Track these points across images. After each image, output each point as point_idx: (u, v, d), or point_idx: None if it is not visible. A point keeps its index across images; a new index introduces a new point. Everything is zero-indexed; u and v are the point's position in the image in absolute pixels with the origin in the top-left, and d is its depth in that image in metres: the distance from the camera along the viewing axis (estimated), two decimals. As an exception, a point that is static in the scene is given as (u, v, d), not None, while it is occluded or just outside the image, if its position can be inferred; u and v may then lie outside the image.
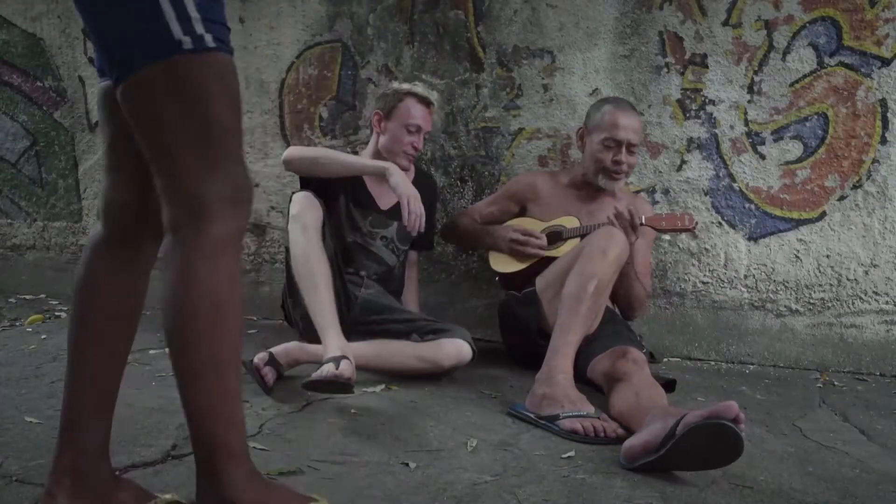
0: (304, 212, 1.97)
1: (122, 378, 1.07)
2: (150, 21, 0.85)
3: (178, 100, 0.86)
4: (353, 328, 2.03)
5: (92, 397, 1.07)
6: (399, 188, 2.00)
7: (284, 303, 2.25)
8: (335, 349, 1.75)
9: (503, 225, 2.37)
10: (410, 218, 1.96)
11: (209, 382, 0.91)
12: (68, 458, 1.02)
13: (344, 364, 1.66)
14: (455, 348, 1.98)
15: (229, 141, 0.90)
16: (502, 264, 2.33)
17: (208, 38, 0.87)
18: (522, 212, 2.43)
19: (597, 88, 2.63)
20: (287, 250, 2.06)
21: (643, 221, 2.04)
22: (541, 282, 2.16)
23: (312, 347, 1.89)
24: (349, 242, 2.22)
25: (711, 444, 1.27)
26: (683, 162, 2.57)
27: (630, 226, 1.99)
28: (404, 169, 2.18)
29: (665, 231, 2.15)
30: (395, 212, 2.19)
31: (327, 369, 1.64)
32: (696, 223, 2.11)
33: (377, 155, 2.24)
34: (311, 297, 1.88)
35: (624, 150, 2.21)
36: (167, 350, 0.94)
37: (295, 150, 2.12)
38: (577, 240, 2.19)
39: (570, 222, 2.26)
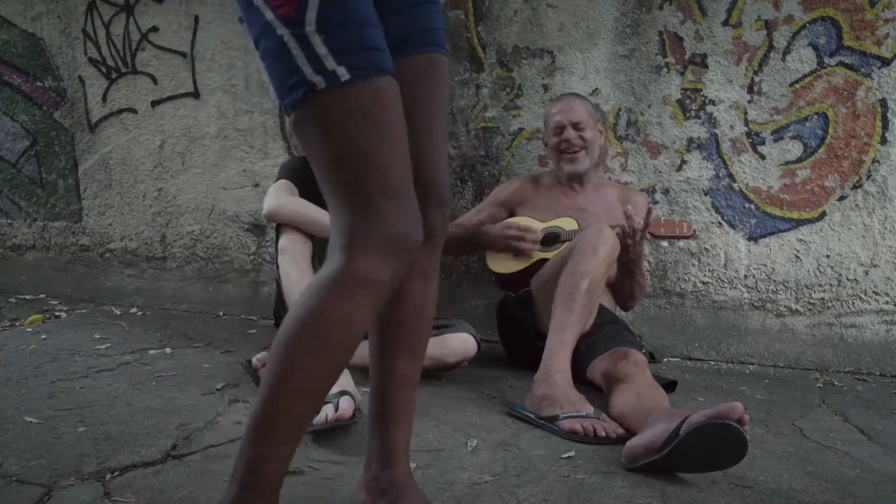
0: (293, 244, 1.95)
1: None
2: (288, 68, 0.85)
3: (319, 140, 0.85)
4: None
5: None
6: None
7: (278, 321, 2.22)
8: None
9: (499, 223, 2.36)
10: None
11: (271, 405, 0.88)
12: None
13: (344, 402, 1.57)
14: (460, 344, 1.97)
15: (377, 176, 0.85)
16: (500, 265, 2.33)
17: (342, 72, 0.83)
18: (512, 217, 2.42)
19: (597, 88, 2.63)
20: (277, 282, 2.04)
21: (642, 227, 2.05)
22: (535, 282, 2.16)
23: None
24: None
25: (716, 445, 1.26)
26: (683, 162, 2.57)
27: (641, 230, 2.02)
28: None
29: (663, 237, 2.16)
30: None
31: (328, 412, 1.54)
32: (695, 231, 2.12)
33: None
34: None
35: (570, 128, 2.27)
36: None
37: (279, 208, 2.02)
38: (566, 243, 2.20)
39: (569, 224, 2.26)
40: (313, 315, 0.86)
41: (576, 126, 2.28)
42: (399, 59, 0.95)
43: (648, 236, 2.24)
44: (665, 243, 2.58)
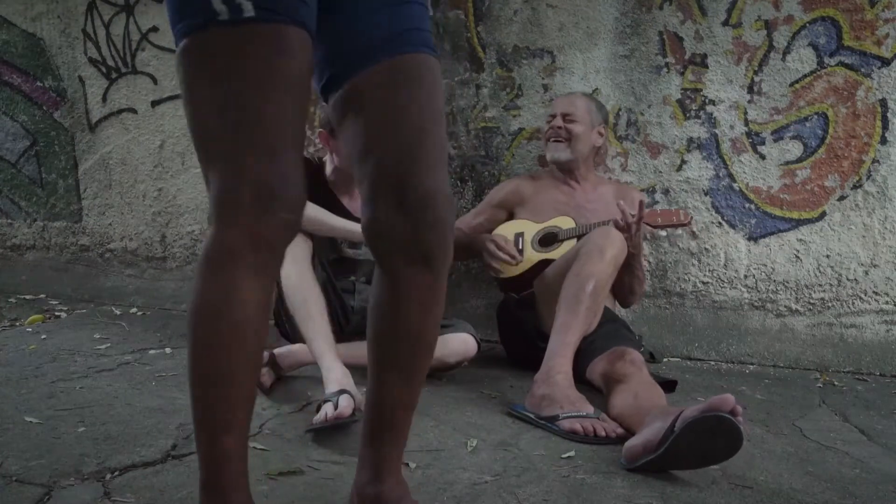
0: (292, 244, 1.95)
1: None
2: None
3: (201, 78, 0.79)
4: (354, 337, 2.03)
5: None
6: None
7: (279, 321, 2.21)
8: (333, 383, 1.67)
9: (488, 234, 2.35)
10: None
11: (192, 400, 0.85)
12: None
13: (343, 401, 1.57)
14: (460, 344, 1.97)
15: (253, 130, 0.78)
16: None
17: (247, 6, 0.77)
18: (511, 218, 2.42)
19: (597, 88, 2.63)
20: (277, 283, 2.03)
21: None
22: (539, 284, 2.16)
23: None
24: (334, 258, 2.19)
25: (711, 438, 1.27)
26: (683, 162, 2.57)
27: (636, 222, 2.01)
28: None
29: (660, 227, 2.15)
30: None
31: (327, 411, 1.55)
32: (692, 218, 2.12)
33: (338, 174, 2.18)
34: (307, 327, 1.84)
35: (559, 118, 2.33)
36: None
37: None
38: (574, 240, 2.19)
39: (566, 223, 2.26)
40: (196, 297, 0.82)
41: (565, 117, 2.33)
42: (384, 60, 0.90)
43: (647, 231, 2.24)
44: (663, 233, 2.57)
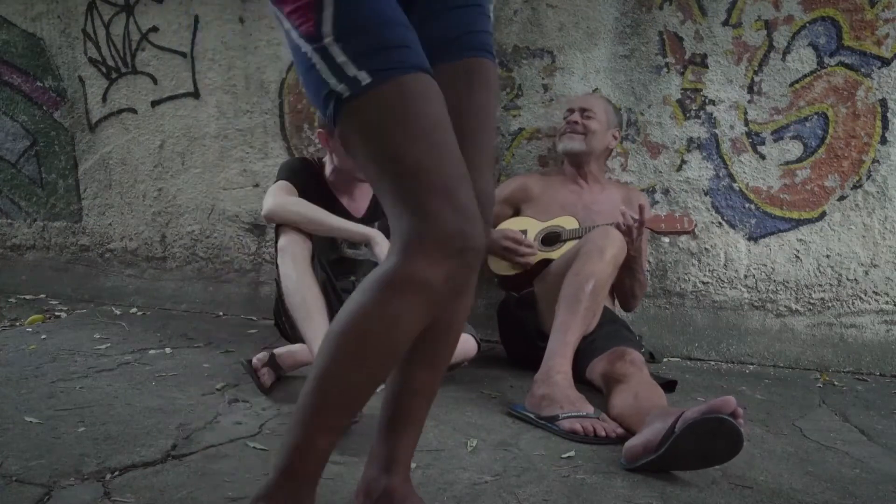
0: (292, 244, 1.95)
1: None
2: (318, 83, 0.85)
3: (359, 148, 0.85)
4: None
5: None
6: (384, 258, 1.96)
7: (278, 321, 2.21)
8: None
9: (496, 229, 2.36)
10: None
11: (320, 391, 0.88)
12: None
13: None
14: (461, 344, 1.96)
15: (420, 175, 0.82)
16: (501, 267, 2.33)
17: (362, 76, 0.82)
18: (516, 214, 2.42)
19: (597, 88, 2.62)
20: (277, 283, 2.04)
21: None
22: (539, 283, 2.16)
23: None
24: (334, 259, 2.19)
25: (711, 440, 1.27)
26: (683, 162, 2.57)
27: (637, 227, 2.01)
28: (363, 181, 2.14)
29: (663, 233, 2.16)
30: (373, 214, 2.18)
31: None
32: (696, 225, 2.12)
33: (338, 174, 2.17)
34: (306, 327, 1.84)
35: (577, 112, 2.37)
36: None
37: (278, 208, 2.00)
38: (576, 241, 2.19)
39: (569, 223, 2.26)
40: (362, 312, 0.85)
41: (584, 112, 2.37)
42: (442, 64, 0.94)
43: (650, 234, 2.24)
44: (666, 240, 2.57)
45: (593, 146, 2.35)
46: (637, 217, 2.02)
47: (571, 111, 2.40)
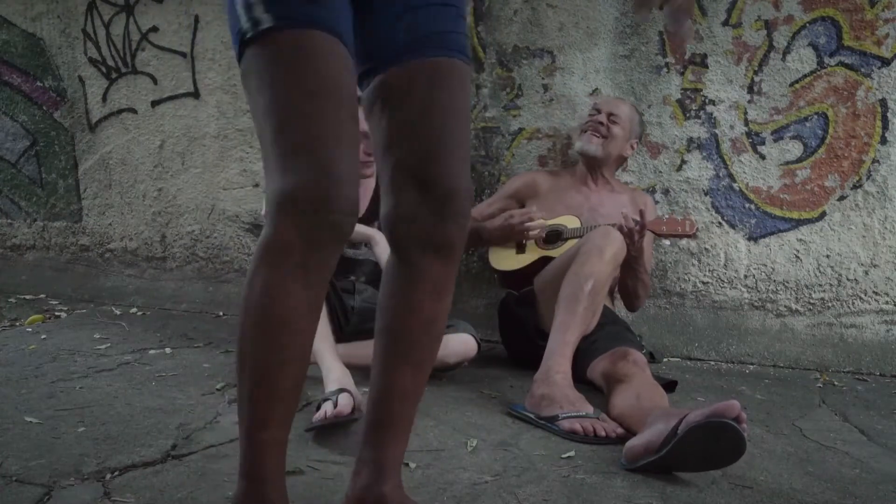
0: None
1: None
2: (234, 20, 0.86)
3: (249, 92, 0.85)
4: (354, 337, 2.03)
5: None
6: (383, 257, 1.96)
7: None
8: (333, 382, 1.67)
9: (498, 216, 2.35)
10: None
11: (239, 391, 0.88)
12: None
13: (342, 399, 1.56)
14: (460, 344, 1.97)
15: (294, 132, 0.80)
16: (502, 262, 2.33)
17: (266, 18, 0.82)
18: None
19: (597, 88, 2.62)
20: None
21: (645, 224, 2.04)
22: (539, 281, 2.16)
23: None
24: None
25: (713, 444, 1.26)
26: (683, 162, 2.57)
27: (638, 230, 2.01)
28: (367, 176, 2.14)
29: (665, 236, 2.16)
30: (373, 214, 2.18)
31: (327, 409, 1.54)
32: (698, 229, 2.12)
33: None
34: None
35: (604, 115, 2.34)
36: None
37: None
38: (577, 240, 2.19)
39: (572, 222, 2.26)
40: (245, 291, 0.86)
41: (610, 116, 2.35)
42: (413, 61, 0.93)
43: (653, 236, 2.24)
44: (667, 242, 2.57)
45: (610, 151, 2.35)
46: (638, 220, 2.02)
47: (598, 111, 2.38)
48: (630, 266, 2.15)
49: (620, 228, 2.02)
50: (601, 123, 2.33)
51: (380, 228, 2.08)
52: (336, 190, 0.81)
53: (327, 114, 0.82)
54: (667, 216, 2.35)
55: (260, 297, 0.84)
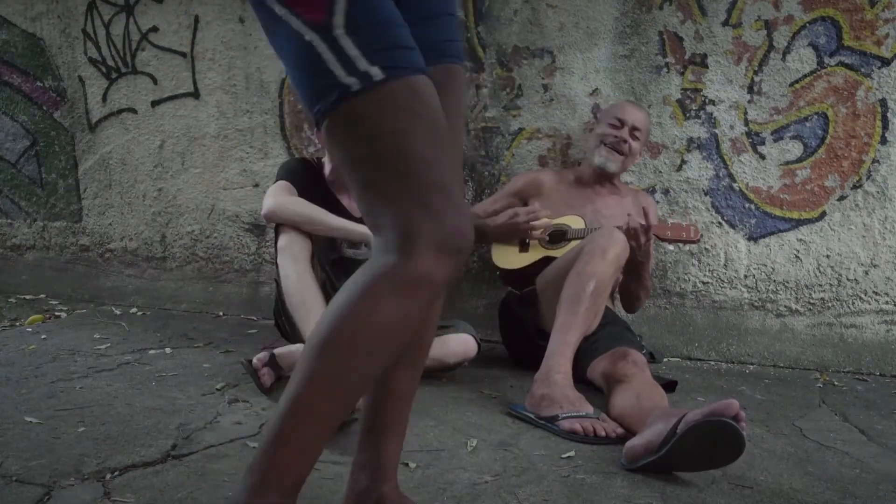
0: (292, 244, 1.95)
1: None
2: (318, 74, 0.83)
3: (358, 144, 0.83)
4: None
5: None
6: None
7: (278, 321, 2.21)
8: None
9: (502, 214, 2.34)
10: None
11: (312, 399, 0.84)
12: None
13: None
14: (460, 345, 1.97)
15: (425, 173, 0.82)
16: (505, 260, 2.33)
17: (375, 71, 0.81)
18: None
19: (597, 88, 2.63)
20: (277, 283, 2.03)
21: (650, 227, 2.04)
22: (541, 281, 2.16)
23: None
24: (334, 259, 2.19)
25: (713, 443, 1.26)
26: (683, 162, 2.57)
27: (644, 232, 2.01)
28: None
29: (669, 241, 2.15)
30: None
31: None
32: (701, 235, 2.11)
33: (337, 174, 2.14)
34: (306, 327, 1.84)
35: (627, 129, 2.29)
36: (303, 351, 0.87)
37: (277, 208, 2.00)
38: (580, 241, 2.19)
39: (576, 222, 2.26)
40: (369, 317, 0.83)
41: (633, 130, 2.31)
42: (429, 68, 0.95)
43: (654, 239, 2.24)
44: (671, 247, 2.57)
45: (626, 166, 2.36)
46: (644, 223, 2.01)
47: (622, 123, 2.30)
48: (636, 271, 2.15)
49: (627, 231, 2.01)
50: (624, 141, 2.29)
51: None
52: (470, 228, 0.84)
53: (449, 152, 0.86)
54: (671, 221, 2.34)
55: (395, 324, 0.83)
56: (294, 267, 1.90)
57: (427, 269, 0.81)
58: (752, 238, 2.54)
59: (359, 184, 0.85)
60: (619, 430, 1.55)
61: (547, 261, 2.20)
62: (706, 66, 2.52)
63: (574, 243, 2.20)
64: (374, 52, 0.82)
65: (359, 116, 0.82)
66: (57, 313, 2.89)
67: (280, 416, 0.85)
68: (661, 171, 2.59)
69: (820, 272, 2.49)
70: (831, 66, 2.42)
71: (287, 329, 2.12)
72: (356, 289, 0.84)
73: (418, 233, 0.81)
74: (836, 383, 2.24)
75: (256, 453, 0.87)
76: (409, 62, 0.84)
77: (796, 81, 2.45)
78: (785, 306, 2.53)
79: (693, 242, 2.14)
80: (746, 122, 2.51)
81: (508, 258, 2.32)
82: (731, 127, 2.52)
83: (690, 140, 2.56)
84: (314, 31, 0.82)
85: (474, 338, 2.00)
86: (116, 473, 1.25)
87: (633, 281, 2.20)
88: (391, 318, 0.83)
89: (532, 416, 1.66)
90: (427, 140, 0.83)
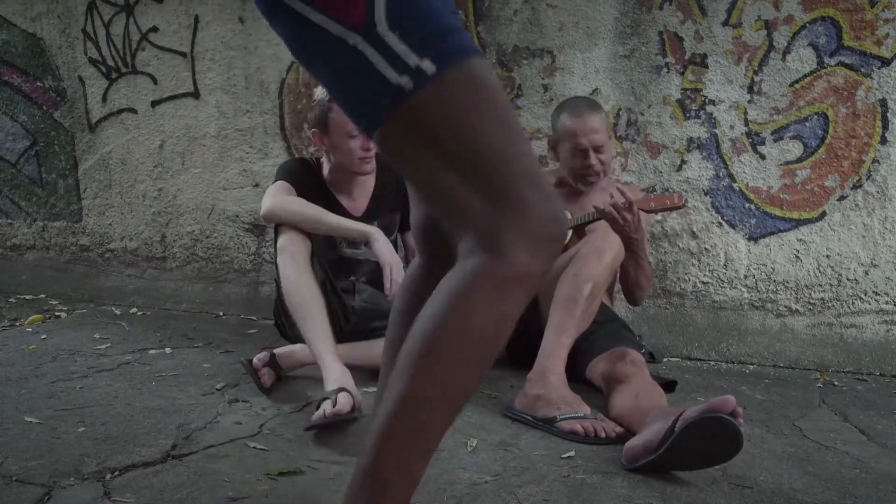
0: (291, 243, 1.94)
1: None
2: (367, 79, 0.76)
3: (423, 147, 0.77)
4: (354, 337, 2.03)
5: None
6: (382, 256, 1.95)
7: (278, 321, 2.21)
8: (332, 381, 1.67)
9: None
10: (393, 288, 1.89)
11: (414, 416, 0.79)
12: None
13: (342, 398, 1.56)
14: None
15: (501, 165, 0.75)
16: None
17: (427, 65, 0.74)
18: None
19: (597, 88, 2.63)
20: (277, 283, 2.03)
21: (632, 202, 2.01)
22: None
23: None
24: (334, 258, 2.19)
25: (711, 440, 1.27)
26: (683, 162, 2.57)
27: (627, 209, 1.97)
28: (367, 173, 2.14)
29: (655, 211, 2.12)
30: (372, 212, 2.18)
31: (326, 408, 1.54)
32: (686, 201, 2.08)
33: (336, 173, 2.16)
34: (306, 326, 1.83)
35: (591, 153, 2.19)
36: (397, 368, 0.80)
37: (277, 207, 1.99)
38: (569, 232, 2.18)
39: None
40: (467, 322, 0.77)
41: (598, 150, 2.20)
42: None
43: (641, 213, 2.20)
44: (667, 237, 2.57)
45: (609, 171, 2.30)
46: (623, 200, 1.97)
47: (584, 151, 2.18)
48: (631, 250, 2.11)
49: (614, 206, 1.97)
50: (592, 166, 2.19)
51: (379, 227, 2.09)
52: (563, 215, 0.79)
53: (521, 135, 0.78)
54: (654, 193, 2.31)
55: (495, 325, 0.78)
56: (293, 267, 1.90)
57: (524, 264, 0.75)
58: (752, 238, 2.54)
59: (428, 190, 0.80)
60: (619, 430, 1.55)
61: None
62: (706, 66, 2.52)
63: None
64: (421, 44, 0.75)
65: (417, 119, 0.76)
66: (57, 313, 2.89)
67: (378, 437, 0.80)
68: (661, 171, 2.59)
69: (820, 272, 2.49)
70: (831, 66, 2.42)
71: (287, 329, 2.12)
72: (444, 297, 0.78)
73: (506, 228, 0.74)
74: (836, 383, 2.24)
75: (351, 487, 0.82)
76: (459, 46, 0.77)
77: (796, 81, 2.45)
78: (785, 306, 2.53)
79: (679, 208, 2.09)
80: (746, 122, 2.51)
81: None
82: (731, 127, 2.52)
83: (690, 140, 2.56)
84: (357, 33, 0.76)
85: None
86: (116, 473, 1.25)
87: (630, 264, 2.16)
88: (487, 321, 0.77)
89: (529, 417, 1.66)
90: (496, 128, 0.76)
